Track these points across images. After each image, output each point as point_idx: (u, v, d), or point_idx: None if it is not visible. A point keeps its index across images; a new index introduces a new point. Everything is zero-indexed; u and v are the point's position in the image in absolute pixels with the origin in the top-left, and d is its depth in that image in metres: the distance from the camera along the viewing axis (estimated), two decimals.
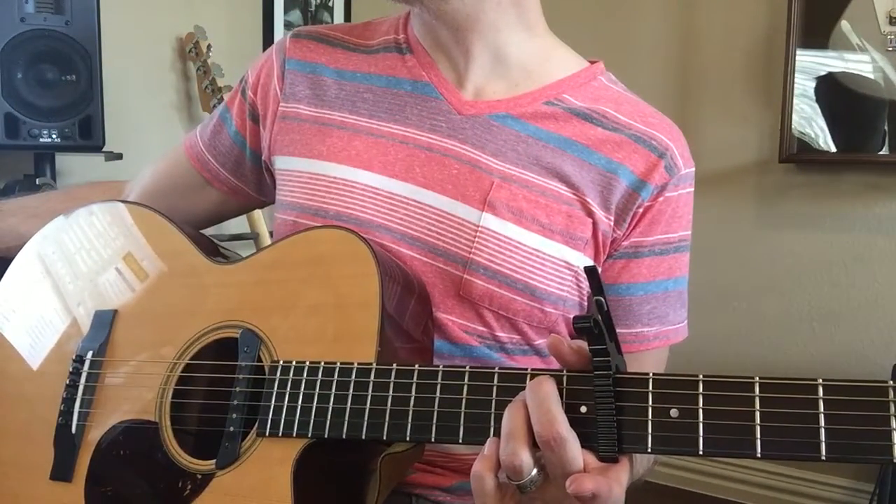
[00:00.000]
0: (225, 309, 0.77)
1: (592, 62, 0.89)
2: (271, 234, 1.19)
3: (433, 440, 0.65)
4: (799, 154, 2.19)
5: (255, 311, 0.76)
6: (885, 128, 2.08)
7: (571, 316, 0.81)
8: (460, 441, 0.63)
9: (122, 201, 0.90)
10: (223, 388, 0.74)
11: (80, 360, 0.83)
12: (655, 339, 0.85)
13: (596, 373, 0.58)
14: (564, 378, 0.60)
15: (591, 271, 0.60)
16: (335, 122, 0.86)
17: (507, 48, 0.84)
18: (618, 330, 0.81)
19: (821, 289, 2.23)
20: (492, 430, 0.62)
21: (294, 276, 0.75)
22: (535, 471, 0.58)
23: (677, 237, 0.85)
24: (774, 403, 0.55)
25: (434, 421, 0.64)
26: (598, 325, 0.57)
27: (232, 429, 0.71)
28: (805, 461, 0.53)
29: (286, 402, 0.70)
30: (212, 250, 0.86)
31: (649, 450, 0.57)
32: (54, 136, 1.82)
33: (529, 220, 0.79)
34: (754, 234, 2.34)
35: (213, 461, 0.72)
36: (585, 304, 0.84)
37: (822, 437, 0.53)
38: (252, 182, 0.98)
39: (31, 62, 1.79)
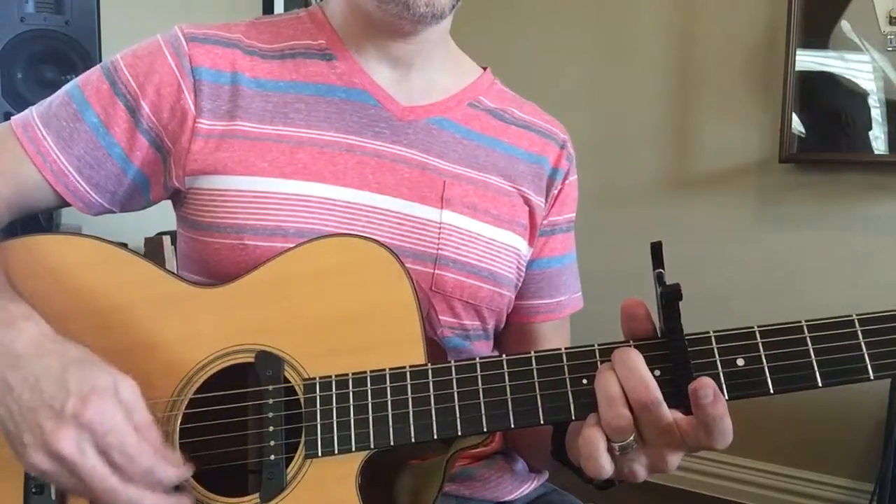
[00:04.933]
0: (226, 334, 0.71)
1: (483, 67, 0.95)
2: None
3: (513, 427, 0.66)
4: (799, 154, 2.19)
5: (267, 331, 0.71)
6: (886, 128, 2.08)
7: (511, 295, 0.88)
8: (542, 422, 0.66)
9: (46, 232, 0.77)
10: (245, 418, 0.70)
11: None
12: (567, 307, 0.95)
13: (672, 337, 0.63)
14: (632, 346, 0.65)
15: (657, 247, 0.65)
16: (270, 136, 0.80)
17: (440, 58, 0.89)
18: (543, 300, 0.92)
19: (821, 289, 2.23)
20: (572, 407, 0.65)
21: (307, 290, 0.72)
22: (632, 436, 0.62)
23: (573, 216, 0.96)
24: (824, 340, 0.63)
25: (510, 408, 0.66)
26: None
27: (273, 457, 0.68)
28: (858, 382, 0.63)
29: (335, 418, 0.68)
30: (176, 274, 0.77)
31: (727, 397, 0.63)
32: None
33: (482, 213, 0.86)
34: (754, 234, 2.34)
35: (255, 496, 0.68)
36: (519, 283, 0.90)
37: (868, 362, 0.63)
38: (119, 203, 0.86)
39: (31, 62, 1.79)
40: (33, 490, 0.70)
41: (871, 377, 0.63)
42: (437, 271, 0.82)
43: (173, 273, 0.75)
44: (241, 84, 0.81)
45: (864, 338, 0.63)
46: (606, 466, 0.63)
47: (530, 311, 0.93)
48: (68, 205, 0.83)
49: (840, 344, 0.63)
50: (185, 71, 0.80)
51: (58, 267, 0.73)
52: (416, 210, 0.83)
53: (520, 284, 0.90)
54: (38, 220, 1.58)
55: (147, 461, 0.63)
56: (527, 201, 0.89)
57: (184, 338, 0.71)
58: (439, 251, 0.82)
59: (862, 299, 2.18)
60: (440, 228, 0.83)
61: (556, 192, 0.92)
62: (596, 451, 0.62)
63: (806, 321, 0.64)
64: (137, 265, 0.75)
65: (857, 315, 0.64)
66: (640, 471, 0.65)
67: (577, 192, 0.96)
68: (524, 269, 0.91)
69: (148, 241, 1.91)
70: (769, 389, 0.63)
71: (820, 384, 0.63)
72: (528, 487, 0.95)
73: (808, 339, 0.63)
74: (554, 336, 0.94)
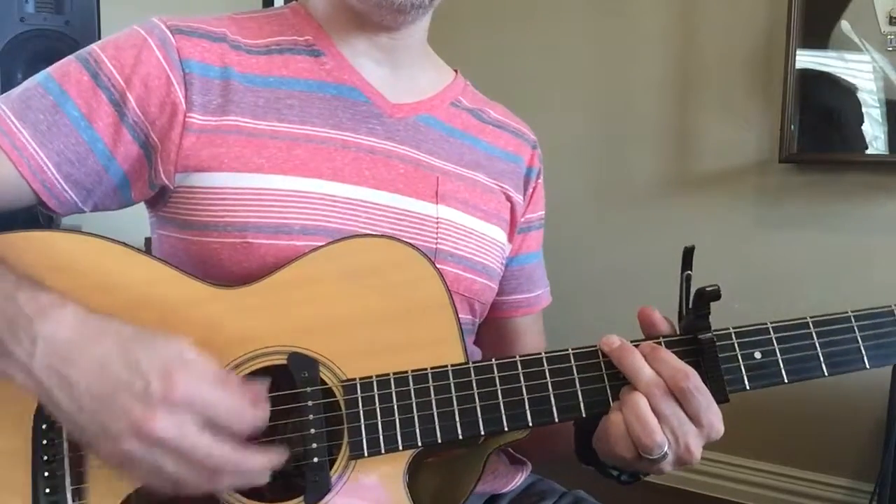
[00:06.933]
0: (254, 337, 0.70)
1: (454, 70, 0.97)
2: None
3: (557, 421, 0.70)
4: (799, 154, 2.19)
5: (299, 332, 0.70)
6: (885, 128, 2.08)
7: (496, 289, 0.91)
8: (584, 415, 0.70)
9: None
10: (282, 421, 0.69)
11: (50, 426, 0.66)
12: (543, 300, 1.01)
13: (702, 334, 0.70)
14: (663, 344, 0.71)
15: (689, 251, 0.72)
16: (265, 132, 0.78)
17: (421, 59, 0.92)
18: (523, 295, 0.96)
19: (820, 289, 2.23)
20: (610, 400, 0.70)
21: (337, 290, 0.71)
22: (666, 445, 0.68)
23: (543, 213, 1.01)
24: (826, 335, 0.71)
25: (553, 403, 0.70)
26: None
27: (317, 459, 0.68)
28: (858, 371, 0.72)
29: (379, 418, 0.68)
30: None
31: (748, 387, 0.70)
32: None
33: (473, 208, 0.88)
34: (754, 234, 2.34)
35: (299, 499, 0.68)
36: (500, 277, 0.94)
37: (864, 353, 0.71)
38: (92, 203, 0.81)
39: (31, 62, 1.78)
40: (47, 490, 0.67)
41: (868, 367, 0.71)
42: (436, 265, 0.83)
43: (189, 274, 0.73)
44: (231, 79, 0.79)
45: (859, 332, 0.72)
46: (652, 423, 0.67)
47: (512, 306, 0.96)
48: (38, 204, 0.77)
49: (840, 338, 0.71)
50: (173, 63, 0.77)
51: (68, 264, 0.70)
52: (414, 205, 0.83)
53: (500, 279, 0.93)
54: (39, 220, 1.58)
55: (250, 413, 0.63)
56: (508, 198, 0.93)
57: (209, 340, 0.67)
58: (438, 246, 0.84)
59: (862, 299, 2.17)
60: (437, 223, 0.84)
61: (531, 190, 0.97)
62: (643, 411, 0.67)
63: (811, 317, 0.72)
64: (153, 266, 0.72)
65: (852, 311, 0.73)
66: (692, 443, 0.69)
67: (544, 191, 1.01)
68: (504, 264, 0.93)
69: (148, 241, 1.91)
70: (784, 379, 0.71)
71: (826, 374, 0.71)
72: (520, 478, 0.96)
73: (814, 335, 0.71)
74: (532, 329, 0.98)
